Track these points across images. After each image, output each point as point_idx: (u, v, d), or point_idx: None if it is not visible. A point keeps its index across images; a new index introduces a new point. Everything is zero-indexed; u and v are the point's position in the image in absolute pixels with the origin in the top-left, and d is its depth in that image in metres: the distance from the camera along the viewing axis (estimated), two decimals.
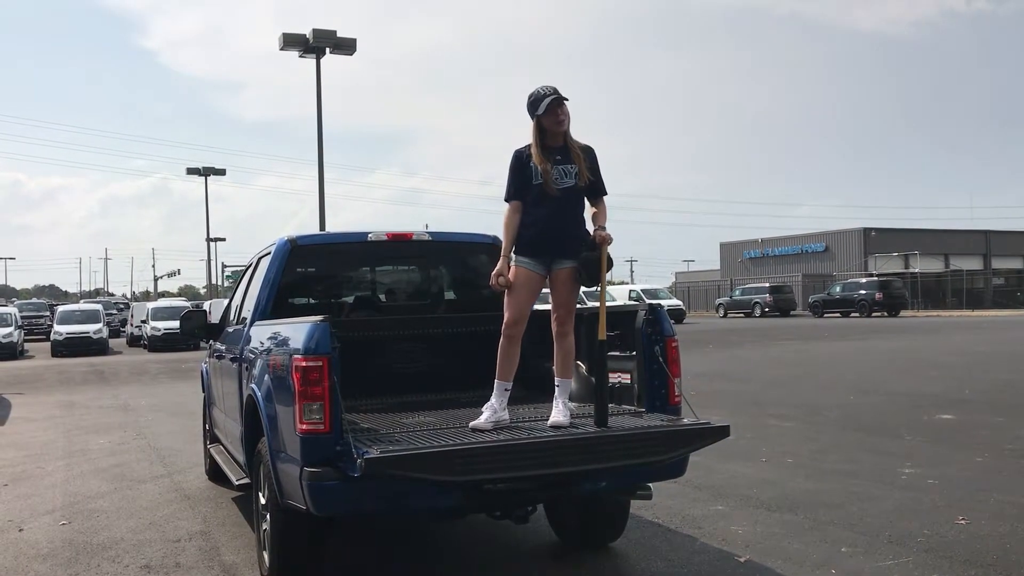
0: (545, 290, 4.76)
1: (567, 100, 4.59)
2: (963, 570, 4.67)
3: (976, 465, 7.31)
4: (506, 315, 4.61)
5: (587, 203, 4.76)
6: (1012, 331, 27.65)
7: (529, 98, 4.62)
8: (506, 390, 4.54)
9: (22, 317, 38.08)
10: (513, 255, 4.72)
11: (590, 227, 4.72)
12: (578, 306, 4.86)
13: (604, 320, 4.54)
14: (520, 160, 4.68)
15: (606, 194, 4.80)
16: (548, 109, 4.54)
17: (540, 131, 4.62)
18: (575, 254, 4.62)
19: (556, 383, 4.58)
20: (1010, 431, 8.88)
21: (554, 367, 4.66)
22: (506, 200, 4.76)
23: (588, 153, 4.72)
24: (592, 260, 4.57)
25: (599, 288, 4.68)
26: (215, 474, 7.40)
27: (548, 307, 4.77)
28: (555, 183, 4.59)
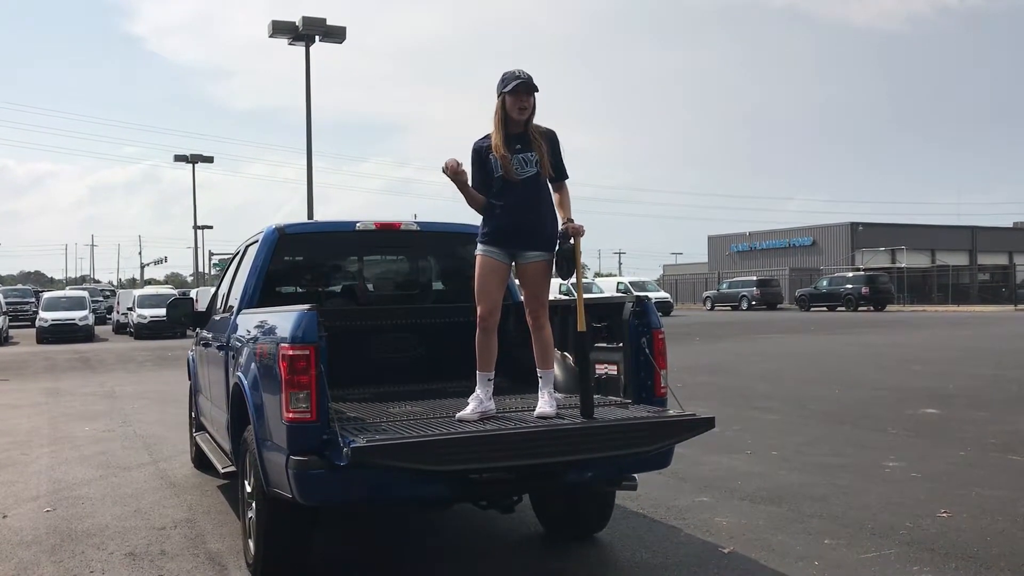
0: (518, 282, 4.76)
1: (537, 91, 4.53)
2: (944, 562, 4.71)
3: (959, 459, 7.37)
4: (479, 308, 4.61)
5: (552, 189, 4.71)
6: (996, 326, 27.84)
7: (502, 76, 4.56)
8: (489, 380, 4.54)
9: (7, 303, 37.88)
10: (480, 244, 4.69)
11: (556, 214, 4.69)
12: (565, 298, 4.86)
13: (583, 311, 4.54)
14: (479, 154, 4.64)
15: (567, 178, 4.76)
16: (514, 90, 4.49)
17: (503, 113, 4.56)
18: (541, 245, 4.60)
19: (539, 375, 4.59)
20: (993, 426, 8.95)
21: (535, 359, 4.66)
22: None
23: (549, 138, 4.66)
24: (570, 252, 4.57)
25: (575, 279, 4.68)
26: (201, 462, 7.39)
27: None
28: (516, 173, 4.55)
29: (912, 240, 56.30)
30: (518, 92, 4.51)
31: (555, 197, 4.72)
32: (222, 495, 6.66)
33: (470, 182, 4.65)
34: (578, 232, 4.57)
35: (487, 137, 4.64)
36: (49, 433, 10.10)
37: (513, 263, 4.67)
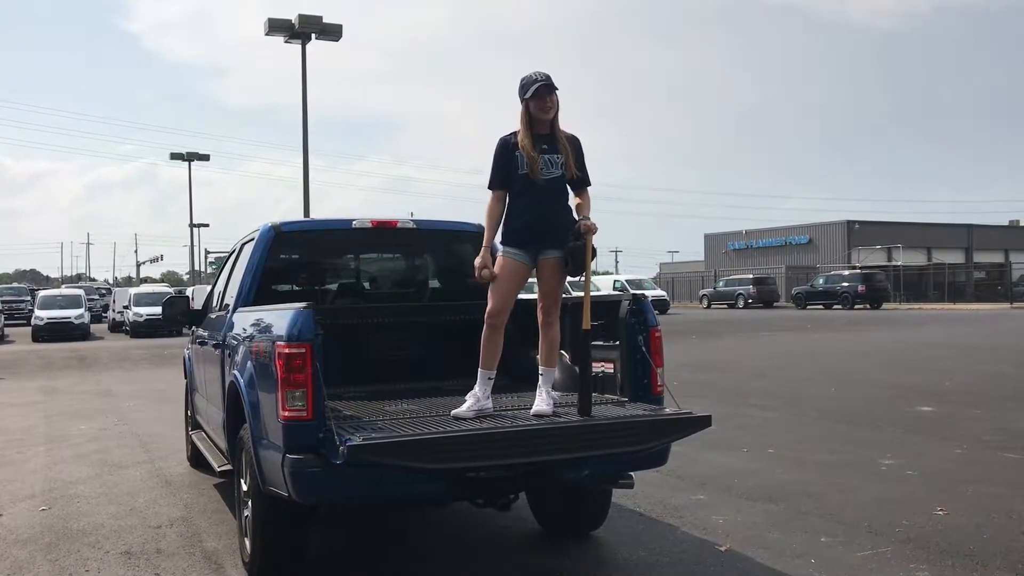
0: (531, 280, 4.75)
1: (557, 89, 4.57)
2: (940, 560, 4.71)
3: (955, 457, 7.38)
4: (489, 304, 4.60)
5: (571, 192, 4.75)
6: (992, 324, 27.87)
7: (520, 82, 4.59)
8: (489, 379, 4.53)
9: (2, 302, 37.99)
10: (499, 245, 4.70)
11: (573, 215, 4.71)
12: (563, 295, 4.85)
13: (588, 310, 4.54)
14: (506, 148, 4.64)
15: (590, 185, 4.79)
16: (536, 94, 4.52)
17: (528, 117, 4.60)
18: (561, 244, 4.61)
19: (540, 372, 4.58)
20: (989, 423, 8.97)
21: (539, 356, 4.66)
22: (490, 188, 4.72)
23: (574, 143, 4.70)
24: (578, 250, 4.56)
25: (584, 278, 4.68)
26: (197, 460, 7.38)
27: (533, 296, 4.76)
28: (542, 173, 4.57)
29: (908, 238, 56.32)
30: (540, 94, 4.53)
31: (575, 201, 4.74)
32: (218, 493, 6.65)
33: (493, 175, 4.69)
34: (590, 230, 4.57)
35: (514, 134, 4.65)
36: (45, 432, 10.09)
37: (533, 264, 4.67)
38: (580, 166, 4.71)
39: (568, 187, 4.71)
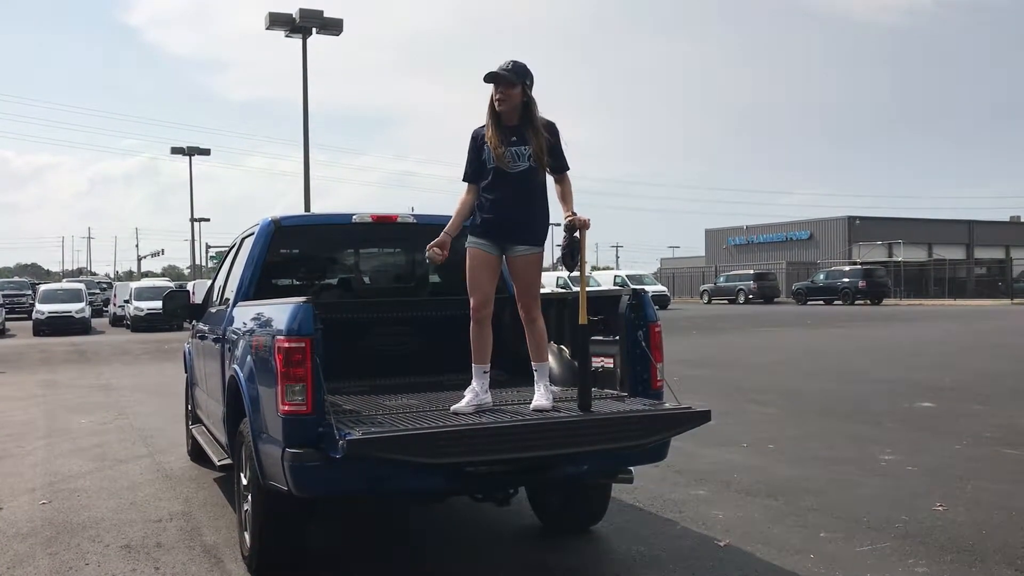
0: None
1: (514, 83, 4.47)
2: (940, 556, 4.71)
3: (955, 453, 7.38)
4: (471, 300, 4.61)
5: (552, 181, 4.68)
6: (993, 320, 27.87)
7: None
8: (485, 372, 4.53)
9: (3, 296, 37.88)
10: (470, 236, 4.67)
11: (555, 208, 4.67)
12: (563, 291, 4.85)
13: (584, 304, 4.53)
14: (476, 142, 4.63)
15: (568, 169, 4.70)
16: (490, 80, 4.49)
17: (494, 109, 4.55)
18: (529, 240, 4.60)
19: (534, 368, 4.58)
20: (989, 419, 8.97)
21: (530, 353, 4.66)
22: (464, 181, 4.72)
23: (549, 130, 4.60)
24: (574, 244, 4.55)
25: (579, 272, 4.66)
26: (197, 455, 7.38)
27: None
28: (508, 167, 4.53)
29: (909, 234, 56.31)
30: (495, 82, 4.50)
31: (557, 190, 4.69)
32: (218, 488, 6.66)
33: (465, 168, 4.68)
34: (584, 225, 4.54)
35: (485, 126, 4.62)
36: (45, 425, 10.10)
37: (504, 256, 4.66)
38: (557, 153, 4.62)
39: (546, 177, 4.64)
